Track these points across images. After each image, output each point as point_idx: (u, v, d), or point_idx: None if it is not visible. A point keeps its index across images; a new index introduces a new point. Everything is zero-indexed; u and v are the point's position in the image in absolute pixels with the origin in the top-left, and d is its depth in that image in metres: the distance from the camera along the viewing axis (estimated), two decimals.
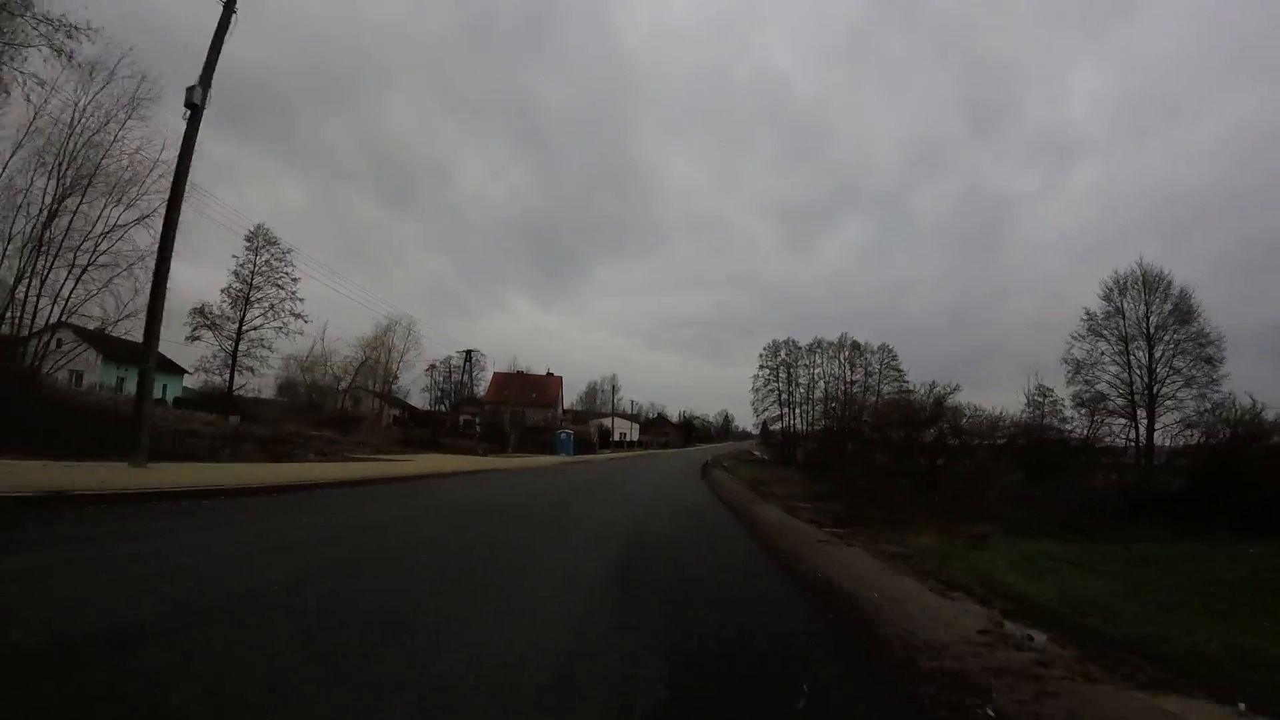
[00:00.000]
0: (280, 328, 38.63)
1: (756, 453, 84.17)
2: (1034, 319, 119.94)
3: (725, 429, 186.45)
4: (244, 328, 38.08)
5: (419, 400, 74.26)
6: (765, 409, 73.12)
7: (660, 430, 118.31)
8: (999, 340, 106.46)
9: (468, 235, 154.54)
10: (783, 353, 72.99)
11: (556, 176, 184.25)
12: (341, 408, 56.10)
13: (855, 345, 72.23)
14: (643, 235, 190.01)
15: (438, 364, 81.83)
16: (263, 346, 38.88)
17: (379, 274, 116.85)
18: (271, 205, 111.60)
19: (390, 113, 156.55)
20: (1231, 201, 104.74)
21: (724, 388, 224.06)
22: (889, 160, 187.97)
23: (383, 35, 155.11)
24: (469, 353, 48.40)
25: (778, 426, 73.35)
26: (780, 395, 72.45)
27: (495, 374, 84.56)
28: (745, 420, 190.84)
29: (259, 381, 52.31)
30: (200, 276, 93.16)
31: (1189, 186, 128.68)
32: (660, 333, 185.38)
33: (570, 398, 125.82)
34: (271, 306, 38.42)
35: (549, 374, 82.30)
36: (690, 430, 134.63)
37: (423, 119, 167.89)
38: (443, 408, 78.83)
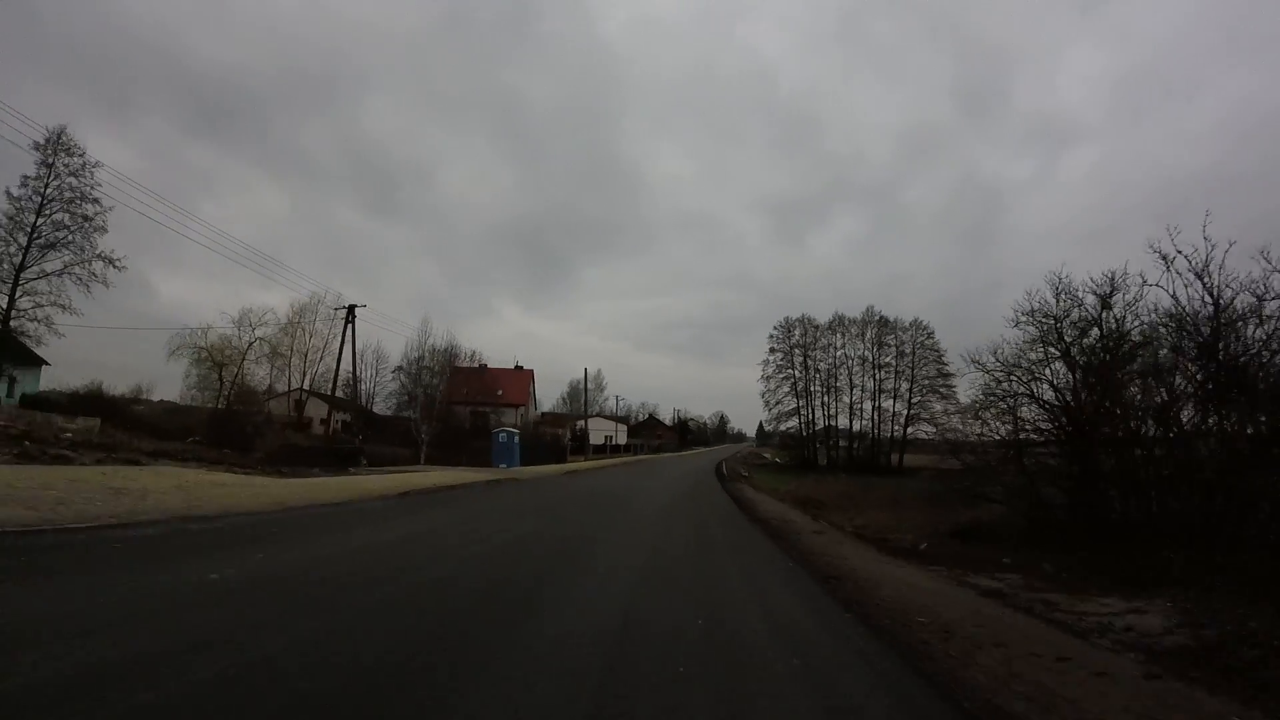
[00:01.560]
0: (67, 270, 25.45)
1: (766, 455, 71.26)
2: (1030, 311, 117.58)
3: (721, 430, 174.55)
4: (23, 274, 24.89)
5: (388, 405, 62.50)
6: (778, 400, 60.22)
7: (652, 433, 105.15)
8: (994, 335, 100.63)
9: (454, 240, 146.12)
10: (797, 332, 60.26)
11: (541, 177, 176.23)
12: (227, 409, 42.78)
13: (884, 321, 59.72)
14: (631, 235, 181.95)
15: (404, 364, 69.32)
16: (55, 305, 25.68)
17: (365, 283, 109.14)
18: (253, 215, 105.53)
19: (369, 114, 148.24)
20: (1232, 184, 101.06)
21: (719, 390, 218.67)
22: (881, 151, 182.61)
23: (358, 33, 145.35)
24: (352, 309, 34.39)
25: (793, 423, 60.42)
26: (796, 384, 59.61)
27: (453, 368, 71.43)
28: (740, 421, 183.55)
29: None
30: (180, 288, 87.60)
31: (1187, 169, 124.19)
32: (652, 335, 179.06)
33: (552, 398, 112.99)
34: (62, 241, 25.24)
35: (517, 367, 69.21)
36: (685, 432, 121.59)
37: (403, 120, 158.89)
38: (410, 413, 65.99)
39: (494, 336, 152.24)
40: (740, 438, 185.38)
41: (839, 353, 59.29)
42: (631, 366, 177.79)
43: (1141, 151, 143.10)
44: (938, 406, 58.74)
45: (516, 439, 28.93)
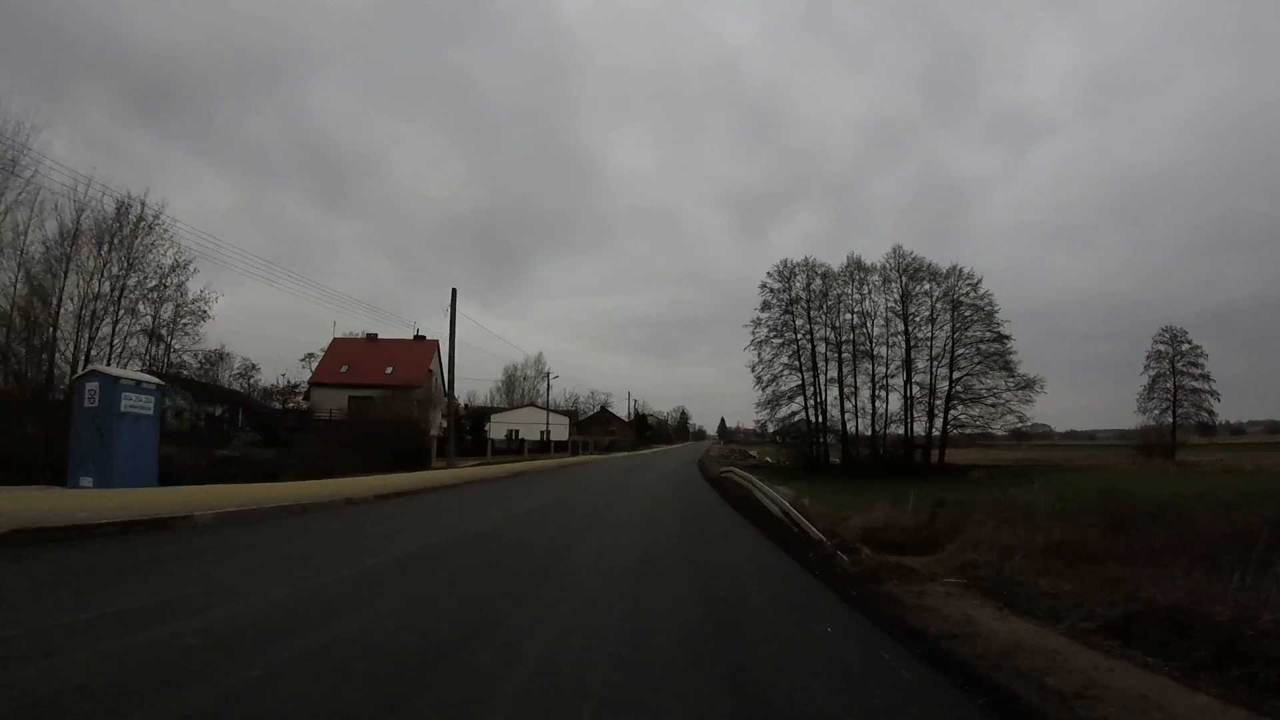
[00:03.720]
0: None
1: (752, 453, 54.80)
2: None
3: (683, 427, 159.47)
4: None
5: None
6: (775, 376, 43.54)
7: (604, 427, 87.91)
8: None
9: (405, 235, 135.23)
10: (799, 281, 43.79)
11: (494, 168, 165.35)
12: None
13: (915, 267, 43.98)
14: (589, 230, 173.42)
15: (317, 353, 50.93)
16: None
17: (314, 279, 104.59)
18: (196, 207, 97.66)
19: (316, 99, 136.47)
20: (1198, 183, 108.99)
21: (677, 389, 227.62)
22: (846, 144, 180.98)
23: (302, 9, 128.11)
24: None
25: (796, 407, 43.90)
26: (800, 352, 43.17)
27: (334, 340, 52.61)
28: (699, 419, 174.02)
29: None
30: None
31: (1157, 167, 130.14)
32: (610, 334, 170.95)
33: (485, 389, 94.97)
34: None
35: (417, 337, 50.81)
36: (644, 428, 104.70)
37: (351, 106, 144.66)
38: (302, 403, 47.43)
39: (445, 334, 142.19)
40: (701, 435, 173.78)
41: (858, 309, 43.12)
42: (590, 367, 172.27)
43: (1111, 149, 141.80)
44: (986, 382, 43.47)
45: (150, 403, 10.79)
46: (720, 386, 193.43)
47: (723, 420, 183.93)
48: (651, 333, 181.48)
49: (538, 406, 62.93)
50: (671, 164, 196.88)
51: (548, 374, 52.09)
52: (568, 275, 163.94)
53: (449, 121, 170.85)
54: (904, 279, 43.80)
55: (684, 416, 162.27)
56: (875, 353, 43.27)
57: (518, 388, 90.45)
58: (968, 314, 43.84)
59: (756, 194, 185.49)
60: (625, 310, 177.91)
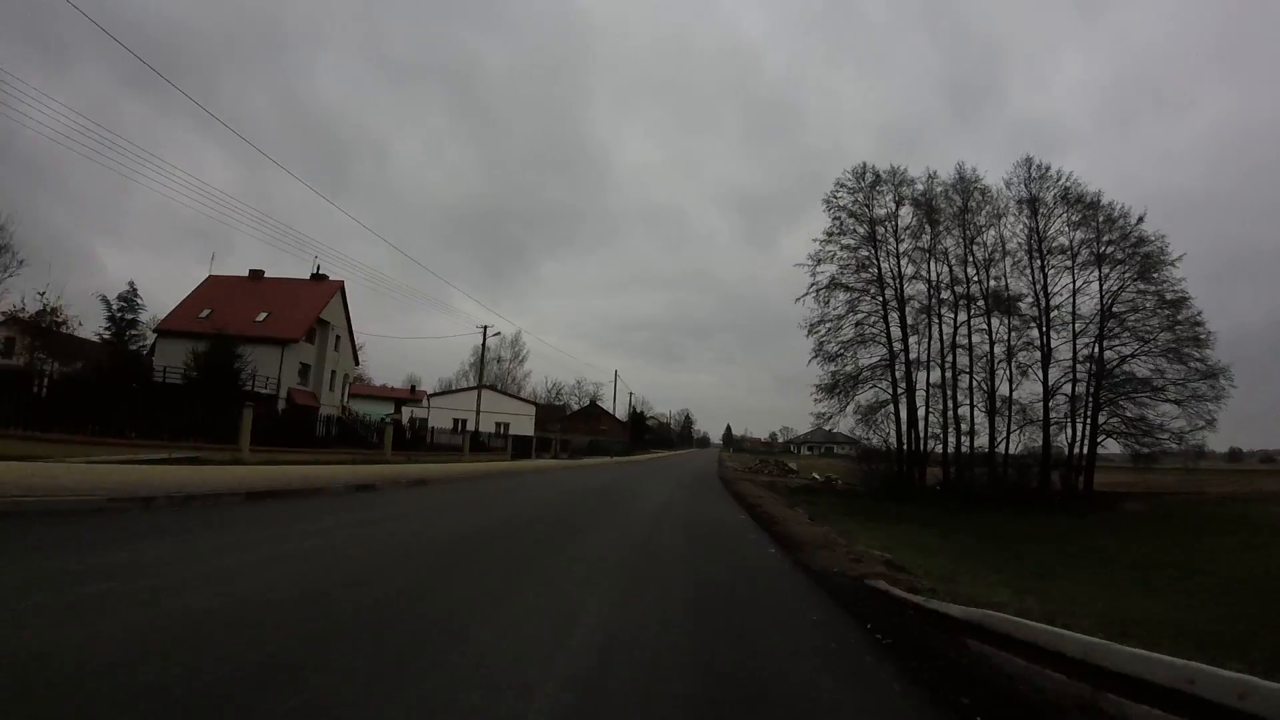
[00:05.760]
0: None
1: (792, 465, 39.16)
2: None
3: (687, 433, 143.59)
4: None
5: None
6: (845, 345, 27.83)
7: (594, 425, 72.54)
8: None
9: (407, 224, 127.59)
10: (887, 198, 28.22)
11: (500, 158, 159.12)
12: None
13: (1059, 197, 28.59)
14: (592, 225, 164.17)
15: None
16: None
17: (308, 265, 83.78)
18: (196, 186, 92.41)
19: (318, 75, 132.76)
20: (1209, 206, 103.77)
21: (677, 394, 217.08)
22: (862, 147, 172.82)
23: None
24: None
25: (882, 392, 28.11)
26: (886, 310, 27.52)
27: (208, 278, 37.54)
28: (703, 425, 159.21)
29: None
30: (125, 263, 74.95)
31: (1165, 189, 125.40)
32: (611, 335, 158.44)
33: (452, 368, 79.91)
34: None
35: (315, 276, 35.71)
36: (642, 429, 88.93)
37: (354, 86, 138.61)
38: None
39: (449, 330, 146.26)
40: (705, 442, 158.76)
41: (977, 241, 27.55)
42: (592, 369, 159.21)
43: (1126, 164, 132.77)
44: (1147, 365, 28.09)
45: None
46: (724, 394, 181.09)
47: (729, 428, 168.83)
48: (654, 336, 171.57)
49: (499, 391, 47.63)
50: (681, 160, 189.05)
51: (484, 328, 36.35)
52: (571, 273, 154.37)
53: (454, 107, 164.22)
54: (1037, 213, 28.40)
55: (689, 420, 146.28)
56: (994, 318, 27.82)
57: (490, 371, 75.33)
58: (1129, 268, 28.43)
59: (765, 195, 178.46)
60: (627, 312, 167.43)
